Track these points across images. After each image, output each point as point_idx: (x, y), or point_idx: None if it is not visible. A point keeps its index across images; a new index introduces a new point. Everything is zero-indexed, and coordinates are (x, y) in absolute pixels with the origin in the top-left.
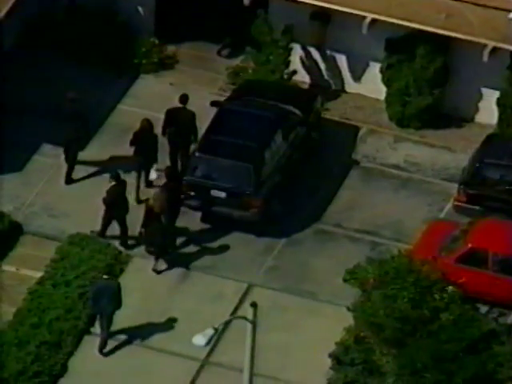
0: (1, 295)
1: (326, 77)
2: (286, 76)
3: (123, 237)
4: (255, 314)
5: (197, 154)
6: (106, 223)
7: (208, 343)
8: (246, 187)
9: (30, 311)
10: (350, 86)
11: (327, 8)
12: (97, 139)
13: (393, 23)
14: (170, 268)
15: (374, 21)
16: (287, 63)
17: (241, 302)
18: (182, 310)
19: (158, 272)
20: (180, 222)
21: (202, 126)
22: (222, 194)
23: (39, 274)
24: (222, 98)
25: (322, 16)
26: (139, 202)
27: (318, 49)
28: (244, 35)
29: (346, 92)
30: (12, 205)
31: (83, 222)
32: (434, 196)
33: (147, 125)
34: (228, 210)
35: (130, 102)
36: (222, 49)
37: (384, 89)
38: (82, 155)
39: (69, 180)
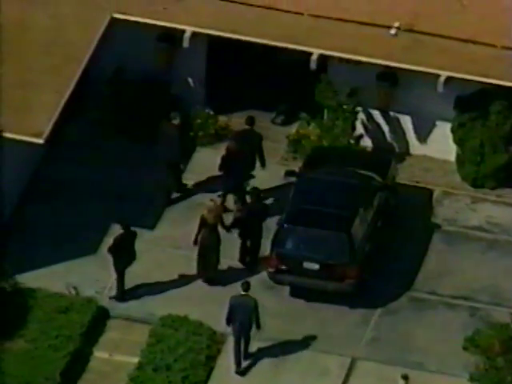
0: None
1: (389, 139)
2: (353, 140)
3: (119, 289)
4: None
5: (286, 226)
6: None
7: None
8: (342, 257)
9: None
10: (415, 147)
11: (395, 68)
12: (166, 217)
13: (463, 80)
14: (268, 348)
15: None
16: (354, 127)
17: (347, 376)
18: None
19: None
20: (267, 298)
21: (269, 195)
22: (315, 266)
23: (134, 359)
24: (286, 167)
25: (390, 77)
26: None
27: (383, 111)
28: (299, 101)
29: (411, 154)
30: (94, 289)
31: (168, 302)
32: None
33: (233, 148)
34: (322, 283)
35: (192, 176)
36: (276, 117)
37: (452, 149)
38: (154, 234)
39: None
